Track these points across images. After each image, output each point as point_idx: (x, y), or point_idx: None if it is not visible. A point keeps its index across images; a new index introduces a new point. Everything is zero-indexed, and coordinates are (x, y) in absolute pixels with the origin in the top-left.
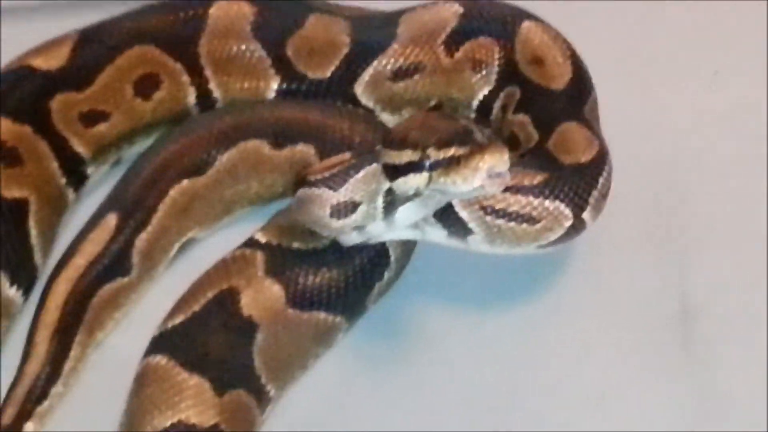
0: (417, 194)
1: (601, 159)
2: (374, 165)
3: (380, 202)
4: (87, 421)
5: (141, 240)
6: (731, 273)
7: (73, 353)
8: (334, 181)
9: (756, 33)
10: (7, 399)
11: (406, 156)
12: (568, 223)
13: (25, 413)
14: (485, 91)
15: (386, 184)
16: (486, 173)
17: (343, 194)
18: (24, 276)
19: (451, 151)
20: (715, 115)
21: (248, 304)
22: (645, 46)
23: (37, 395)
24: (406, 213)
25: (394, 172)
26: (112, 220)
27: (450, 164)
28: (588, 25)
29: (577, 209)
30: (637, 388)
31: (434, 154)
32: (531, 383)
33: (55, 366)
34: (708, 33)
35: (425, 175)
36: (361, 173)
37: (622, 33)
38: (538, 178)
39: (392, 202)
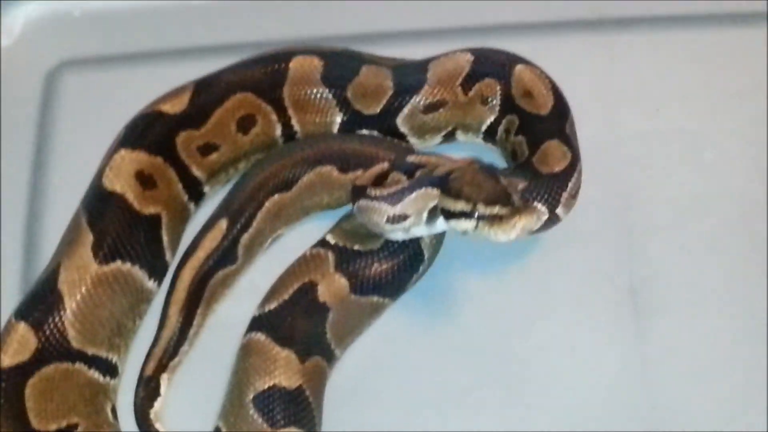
0: (465, 233)
1: (571, 168)
2: (422, 189)
3: (425, 215)
4: (205, 369)
5: (244, 238)
6: (669, 259)
7: (195, 322)
8: (392, 199)
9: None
10: (148, 356)
11: (460, 206)
12: (545, 217)
13: (161, 366)
14: (491, 118)
15: (431, 204)
16: (521, 231)
17: (398, 209)
18: (158, 271)
19: (496, 210)
20: (655, 136)
21: (323, 293)
22: (607, 83)
23: (170, 353)
24: (441, 224)
25: (449, 214)
26: (223, 224)
27: (494, 220)
28: (567, 62)
29: (552, 207)
30: (598, 343)
31: (482, 209)
32: (523, 337)
33: (183, 332)
34: (649, 75)
35: (474, 222)
36: (413, 195)
37: (590, 70)
38: (522, 185)
39: (433, 216)
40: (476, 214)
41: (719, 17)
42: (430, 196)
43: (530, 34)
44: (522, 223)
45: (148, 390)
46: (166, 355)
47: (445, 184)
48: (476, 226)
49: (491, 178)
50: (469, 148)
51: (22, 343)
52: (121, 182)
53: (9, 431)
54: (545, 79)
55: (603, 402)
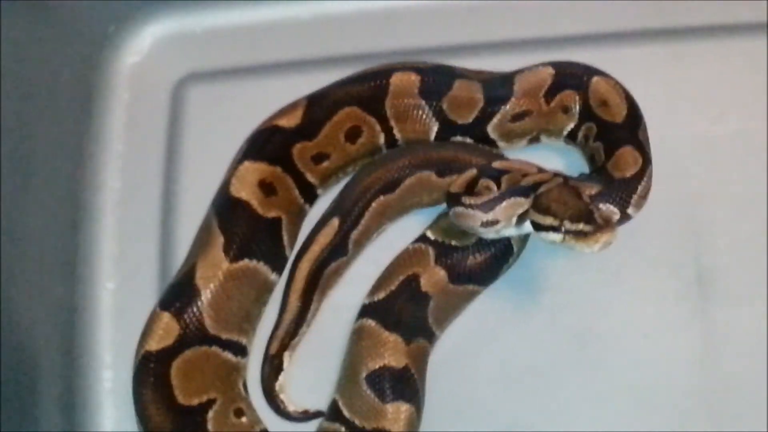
0: (553, 243)
1: (641, 172)
2: (512, 199)
3: (515, 220)
4: (321, 348)
5: (354, 234)
6: (732, 252)
7: (312, 306)
8: (485, 207)
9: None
10: (272, 337)
11: (549, 221)
12: (617, 217)
13: (284, 346)
14: (571, 125)
15: (519, 211)
16: (602, 246)
17: (490, 216)
18: (279, 265)
19: (580, 227)
20: (719, 138)
21: (425, 284)
22: (675, 89)
23: (291, 334)
24: (528, 226)
25: (538, 227)
26: (335, 221)
27: (578, 235)
28: (638, 70)
29: (623, 208)
30: (666, 330)
31: (568, 225)
32: (598, 320)
33: (302, 315)
34: (714, 81)
35: (561, 236)
36: (504, 204)
37: (660, 77)
38: (596, 190)
39: (522, 220)
40: (563, 229)
41: None
42: (519, 204)
43: (603, 43)
44: (604, 239)
45: (272, 366)
46: (287, 336)
47: (533, 196)
48: (563, 239)
49: (576, 195)
50: (552, 149)
51: (167, 330)
52: (246, 190)
53: (159, 405)
54: (620, 89)
55: (670, 379)
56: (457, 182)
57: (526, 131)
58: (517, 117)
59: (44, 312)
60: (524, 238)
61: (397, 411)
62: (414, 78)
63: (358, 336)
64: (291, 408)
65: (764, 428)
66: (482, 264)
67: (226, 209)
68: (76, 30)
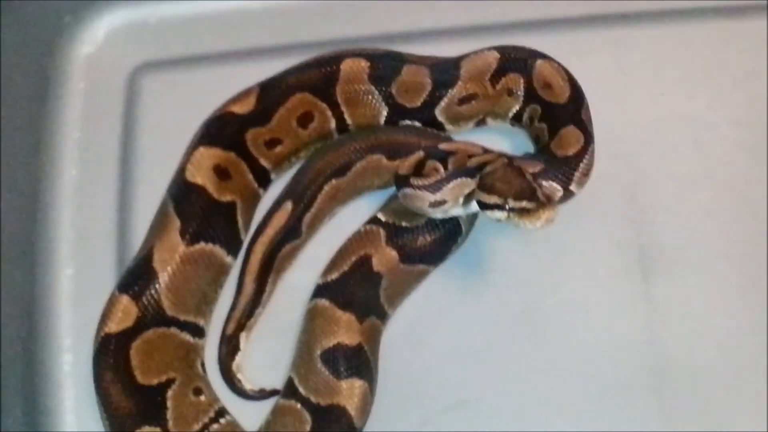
0: (498, 220)
1: (583, 150)
2: (459, 179)
3: (461, 200)
4: (277, 328)
5: (307, 217)
6: (672, 228)
7: (267, 288)
8: (432, 188)
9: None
10: (228, 318)
11: (493, 199)
12: (560, 193)
13: (240, 326)
14: (516, 107)
15: (466, 191)
16: (545, 222)
17: (438, 196)
18: (235, 248)
19: (523, 204)
20: (660, 119)
21: (377, 263)
22: (617, 72)
23: (246, 315)
24: (475, 206)
25: (484, 205)
26: (288, 205)
27: (522, 212)
28: (582, 54)
29: (565, 184)
30: (610, 305)
31: (512, 203)
32: (544, 297)
33: (257, 297)
34: (655, 64)
35: (505, 213)
36: (451, 184)
37: (602, 61)
38: (538, 168)
39: (468, 200)
40: (507, 207)
41: (718, 10)
42: (465, 184)
43: (548, 30)
44: (546, 216)
45: (229, 347)
46: (243, 317)
47: (479, 177)
48: (507, 217)
49: (519, 174)
50: (498, 132)
51: (126, 312)
52: (201, 175)
53: (119, 386)
54: (563, 72)
55: (614, 352)
56: (405, 164)
57: (472, 114)
58: (464, 100)
59: (3, 298)
60: (472, 218)
61: (351, 387)
62: (364, 64)
63: (312, 315)
64: (248, 387)
65: (706, 400)
66: (432, 244)
67: (182, 194)
68: (32, 21)
